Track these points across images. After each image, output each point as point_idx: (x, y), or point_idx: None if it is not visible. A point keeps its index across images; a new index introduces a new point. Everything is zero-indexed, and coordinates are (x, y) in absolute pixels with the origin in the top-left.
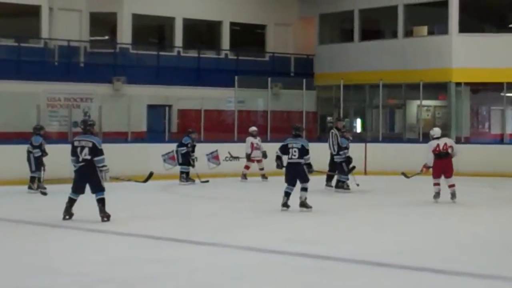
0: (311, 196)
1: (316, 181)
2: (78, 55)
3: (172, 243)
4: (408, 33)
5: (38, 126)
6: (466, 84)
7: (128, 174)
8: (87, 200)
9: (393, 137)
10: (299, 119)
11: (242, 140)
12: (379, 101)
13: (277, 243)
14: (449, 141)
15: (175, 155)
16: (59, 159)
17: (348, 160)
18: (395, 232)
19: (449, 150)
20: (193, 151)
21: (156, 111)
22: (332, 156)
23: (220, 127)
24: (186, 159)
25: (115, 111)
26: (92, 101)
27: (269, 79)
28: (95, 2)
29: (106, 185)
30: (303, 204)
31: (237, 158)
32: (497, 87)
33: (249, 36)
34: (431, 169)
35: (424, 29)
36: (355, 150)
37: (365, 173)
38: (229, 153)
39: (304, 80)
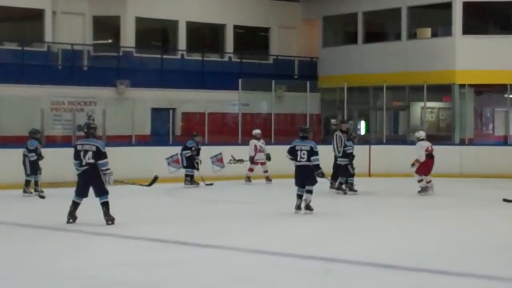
0: (316, 198)
1: (321, 183)
2: (82, 59)
3: (178, 246)
4: (412, 35)
5: (33, 130)
6: (470, 85)
7: (133, 177)
8: (91, 203)
9: (397, 139)
10: (303, 122)
11: (246, 143)
12: (383, 103)
13: (283, 246)
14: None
15: (180, 158)
16: (63, 163)
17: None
18: (400, 234)
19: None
20: (197, 154)
21: (160, 115)
22: (336, 158)
23: (224, 130)
24: (191, 162)
25: (119, 115)
26: (96, 105)
27: (273, 81)
28: (98, 5)
29: (110, 188)
30: (308, 207)
31: (241, 160)
32: (501, 88)
33: (252, 39)
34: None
35: (428, 31)
36: (360, 153)
37: (370, 175)
38: (232, 156)
39: (308, 83)
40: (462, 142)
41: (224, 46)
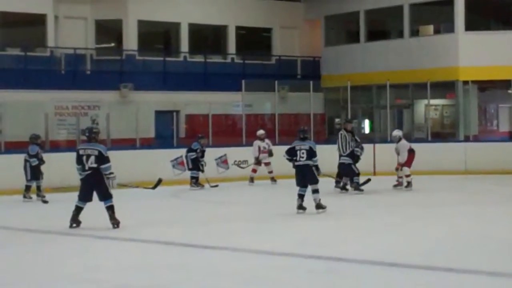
0: (321, 198)
1: (325, 183)
2: (85, 63)
3: (184, 248)
4: (414, 33)
5: (34, 135)
6: (474, 82)
7: (138, 180)
8: (96, 207)
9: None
10: (306, 122)
11: (250, 144)
12: (386, 102)
13: (287, 246)
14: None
15: (185, 161)
16: (68, 167)
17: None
18: (406, 232)
19: None
20: (202, 156)
21: (164, 117)
22: (340, 157)
23: (228, 131)
24: (196, 165)
25: (123, 118)
26: (99, 109)
27: (276, 82)
28: (100, 9)
29: (115, 192)
30: (319, 206)
31: (245, 162)
32: (505, 84)
33: (255, 39)
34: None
35: (430, 28)
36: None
37: (374, 173)
38: (236, 162)
39: (311, 82)
40: (466, 139)
41: (226, 47)
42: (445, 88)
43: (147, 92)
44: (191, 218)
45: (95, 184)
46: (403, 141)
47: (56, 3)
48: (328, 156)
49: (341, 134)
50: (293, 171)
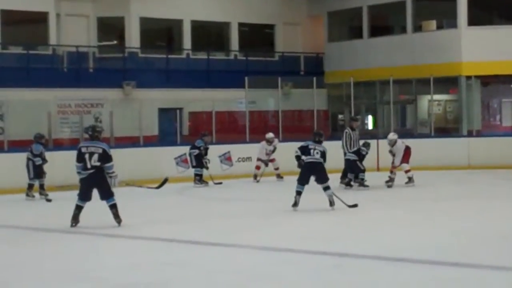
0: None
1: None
2: (87, 61)
3: (189, 245)
4: (417, 28)
5: (38, 134)
6: (477, 77)
7: (141, 178)
8: (99, 205)
9: (405, 133)
10: (310, 118)
11: (254, 141)
12: (390, 97)
13: (294, 242)
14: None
15: (188, 158)
16: (71, 166)
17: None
18: (411, 227)
19: None
20: (206, 153)
21: (167, 115)
22: (345, 155)
23: (232, 128)
24: (199, 162)
25: (126, 116)
26: (102, 107)
27: (279, 78)
28: (102, 7)
29: (118, 190)
30: (333, 203)
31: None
32: (508, 79)
33: (258, 36)
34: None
35: (433, 24)
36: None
37: (378, 169)
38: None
39: (314, 79)
40: (469, 134)
41: (229, 44)
42: (448, 83)
43: (150, 90)
44: (195, 215)
45: (97, 183)
46: (399, 144)
47: (58, 1)
48: (331, 153)
49: (346, 132)
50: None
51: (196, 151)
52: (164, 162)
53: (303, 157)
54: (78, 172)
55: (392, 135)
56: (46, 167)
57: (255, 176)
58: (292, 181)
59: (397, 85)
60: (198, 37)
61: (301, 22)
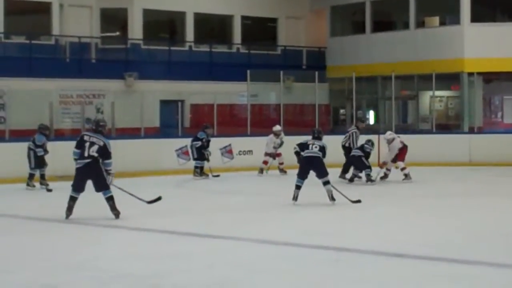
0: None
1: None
2: (90, 52)
3: (188, 237)
4: (420, 24)
5: (43, 125)
6: (479, 73)
7: (142, 169)
8: (98, 196)
9: (406, 129)
10: (312, 112)
11: (255, 134)
12: (391, 93)
13: (293, 236)
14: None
15: (190, 150)
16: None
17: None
18: (411, 223)
19: None
20: (207, 146)
21: (168, 107)
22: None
23: (233, 121)
24: (201, 154)
25: (127, 107)
26: (104, 98)
27: (281, 72)
28: None
29: (117, 181)
30: (333, 198)
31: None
32: (510, 76)
33: (260, 29)
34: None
35: (436, 20)
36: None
37: (379, 164)
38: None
39: (316, 73)
40: (471, 131)
41: (232, 37)
42: (450, 79)
43: (152, 82)
44: (195, 208)
45: (92, 175)
46: (395, 142)
47: None
48: (332, 147)
49: (353, 132)
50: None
51: (199, 143)
52: (165, 154)
53: (302, 152)
54: (75, 159)
55: (390, 135)
56: (47, 158)
57: (261, 170)
58: (294, 175)
59: (399, 80)
60: (201, 29)
61: (304, 16)
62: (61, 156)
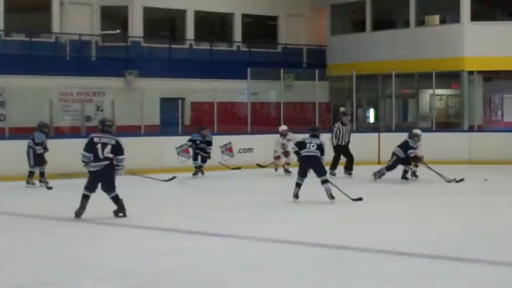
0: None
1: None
2: (90, 49)
3: (187, 235)
4: (420, 23)
5: (42, 123)
6: (479, 72)
7: (142, 167)
8: (98, 193)
9: (406, 127)
10: (312, 110)
11: (255, 132)
12: (392, 91)
13: (292, 234)
14: None
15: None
16: (72, 154)
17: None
18: (412, 221)
19: None
20: (206, 146)
21: (169, 104)
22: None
23: (233, 119)
24: (194, 154)
25: (127, 105)
26: (104, 95)
27: (282, 70)
28: None
29: (119, 178)
30: (332, 196)
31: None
32: (510, 75)
33: (261, 27)
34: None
35: (436, 18)
36: (369, 141)
37: (379, 162)
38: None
39: (317, 71)
40: (471, 129)
41: (232, 35)
42: (450, 78)
43: (152, 79)
44: (195, 206)
45: (106, 175)
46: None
47: None
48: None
49: (337, 129)
50: None
51: (189, 144)
52: (165, 152)
53: (301, 151)
54: (86, 162)
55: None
56: (47, 155)
57: (276, 168)
58: (293, 173)
59: (399, 79)
60: (201, 27)
61: (304, 14)
62: (61, 153)
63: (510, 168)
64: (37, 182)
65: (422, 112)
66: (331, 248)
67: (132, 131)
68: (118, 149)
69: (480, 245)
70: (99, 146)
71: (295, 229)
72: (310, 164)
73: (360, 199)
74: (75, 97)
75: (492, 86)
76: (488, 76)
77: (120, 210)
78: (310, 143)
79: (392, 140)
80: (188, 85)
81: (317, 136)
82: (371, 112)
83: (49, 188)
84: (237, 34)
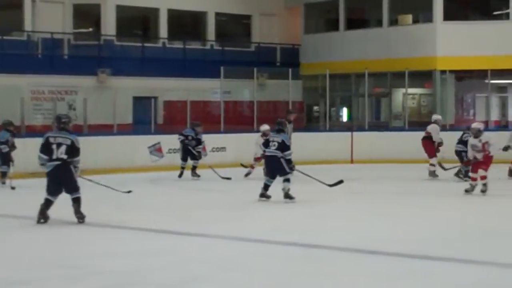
0: (301, 186)
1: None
2: (62, 48)
3: (162, 235)
4: (393, 22)
5: (6, 121)
6: (451, 71)
7: (115, 166)
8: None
9: (379, 126)
10: (285, 109)
11: (228, 131)
12: (365, 90)
13: (265, 233)
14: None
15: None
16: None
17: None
18: (383, 220)
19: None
20: (196, 144)
21: (141, 103)
22: None
23: (207, 118)
24: (185, 152)
25: (100, 104)
26: (77, 94)
27: (255, 69)
28: None
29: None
30: (287, 196)
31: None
32: (482, 74)
33: (234, 26)
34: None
35: (409, 18)
36: (342, 139)
37: (352, 161)
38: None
39: (290, 70)
40: (443, 128)
41: (205, 33)
42: (422, 77)
43: (125, 78)
44: (168, 205)
45: (64, 177)
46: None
47: None
48: (306, 144)
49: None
50: None
51: (181, 138)
52: (138, 151)
53: (266, 150)
54: (42, 164)
55: (477, 124)
56: (18, 154)
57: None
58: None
59: (372, 78)
60: (174, 26)
61: (278, 13)
62: (33, 152)
63: None
64: (7, 181)
65: (395, 111)
66: (304, 247)
67: (105, 130)
68: (73, 150)
69: (455, 244)
70: (54, 146)
71: (267, 228)
72: (270, 164)
73: (340, 181)
74: (47, 95)
75: (464, 85)
76: (461, 75)
77: (76, 214)
78: (273, 141)
79: (365, 139)
80: (161, 83)
81: (282, 131)
82: (344, 111)
83: (12, 188)
84: (211, 33)
